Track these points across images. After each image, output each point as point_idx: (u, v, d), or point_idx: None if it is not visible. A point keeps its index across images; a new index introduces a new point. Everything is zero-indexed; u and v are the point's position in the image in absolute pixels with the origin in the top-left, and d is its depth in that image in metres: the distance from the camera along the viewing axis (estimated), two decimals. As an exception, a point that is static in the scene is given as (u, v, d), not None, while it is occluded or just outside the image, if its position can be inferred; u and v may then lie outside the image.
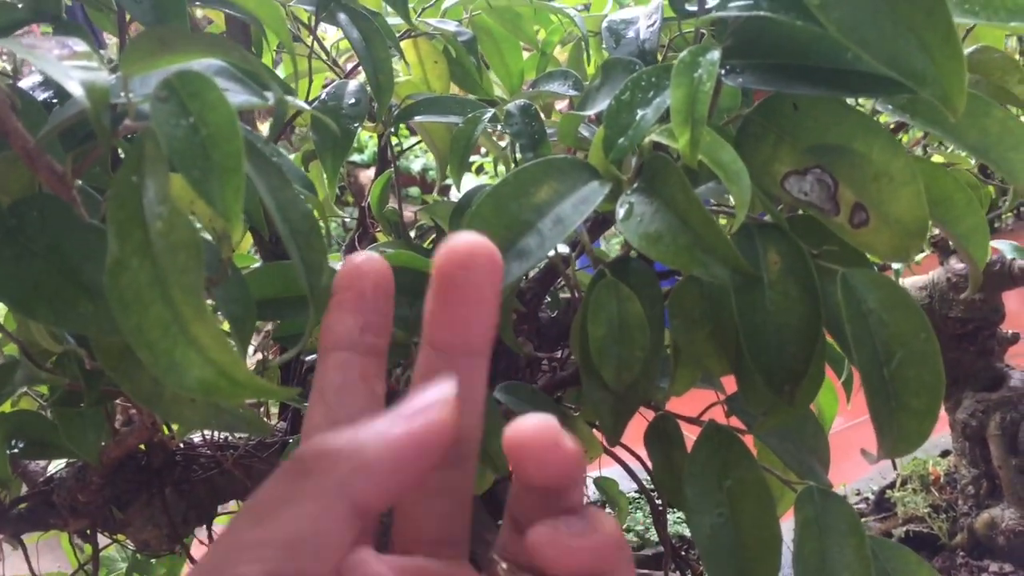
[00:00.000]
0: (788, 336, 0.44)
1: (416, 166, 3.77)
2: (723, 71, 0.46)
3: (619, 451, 0.79)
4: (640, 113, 0.47)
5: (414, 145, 1.31)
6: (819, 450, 0.58)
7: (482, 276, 0.29)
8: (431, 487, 0.31)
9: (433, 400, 0.27)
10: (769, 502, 0.51)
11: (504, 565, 0.31)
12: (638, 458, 0.78)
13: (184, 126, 0.32)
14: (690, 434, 0.57)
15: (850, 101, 0.47)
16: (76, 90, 0.34)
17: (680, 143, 0.43)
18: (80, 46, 0.38)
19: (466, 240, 0.29)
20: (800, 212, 0.50)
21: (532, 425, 0.26)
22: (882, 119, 0.50)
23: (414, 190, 3.67)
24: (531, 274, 0.77)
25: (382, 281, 0.31)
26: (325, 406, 0.31)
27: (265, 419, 0.85)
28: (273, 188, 0.38)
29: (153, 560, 0.87)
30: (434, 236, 0.85)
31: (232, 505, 0.85)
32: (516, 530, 0.30)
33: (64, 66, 0.35)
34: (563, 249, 0.61)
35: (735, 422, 0.56)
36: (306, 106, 0.47)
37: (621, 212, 0.45)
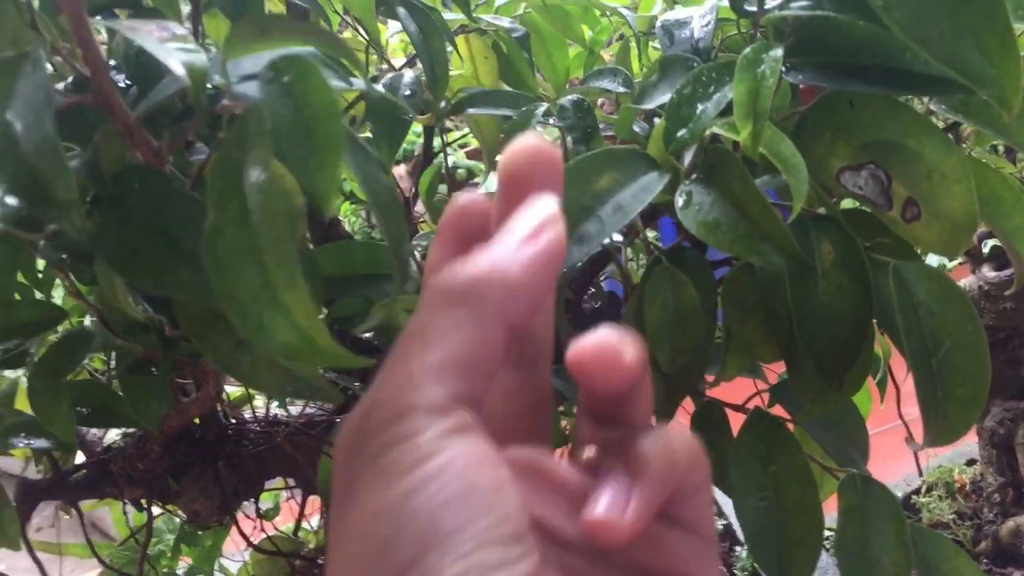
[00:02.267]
0: (839, 324, 0.46)
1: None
2: (783, 68, 0.48)
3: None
4: (701, 107, 0.49)
5: (456, 140, 1.33)
6: (859, 441, 0.60)
7: (545, 170, 0.30)
8: (513, 384, 0.32)
9: (545, 217, 0.28)
10: (812, 487, 0.53)
11: (590, 451, 0.31)
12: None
13: (289, 106, 0.34)
14: (734, 422, 0.59)
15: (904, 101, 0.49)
16: (178, 69, 0.36)
17: (742, 135, 0.44)
18: (179, 29, 0.41)
19: (529, 140, 0.30)
20: (852, 207, 0.52)
21: (594, 341, 0.27)
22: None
23: (442, 187, 3.69)
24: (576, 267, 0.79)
25: (485, 222, 0.31)
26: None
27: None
28: (359, 163, 0.40)
29: (200, 532, 0.89)
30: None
31: (278, 481, 0.88)
32: (592, 425, 0.31)
33: (166, 47, 0.38)
34: (616, 237, 0.63)
35: (778, 411, 0.58)
36: (390, 96, 0.49)
37: (680, 201, 0.47)
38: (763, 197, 0.44)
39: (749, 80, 0.45)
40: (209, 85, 0.40)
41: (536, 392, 0.32)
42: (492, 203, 0.32)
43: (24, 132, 0.33)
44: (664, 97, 0.57)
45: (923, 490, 1.74)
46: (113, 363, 0.80)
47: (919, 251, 0.50)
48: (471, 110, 0.79)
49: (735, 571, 0.93)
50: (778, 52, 0.45)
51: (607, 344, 0.27)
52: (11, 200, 0.32)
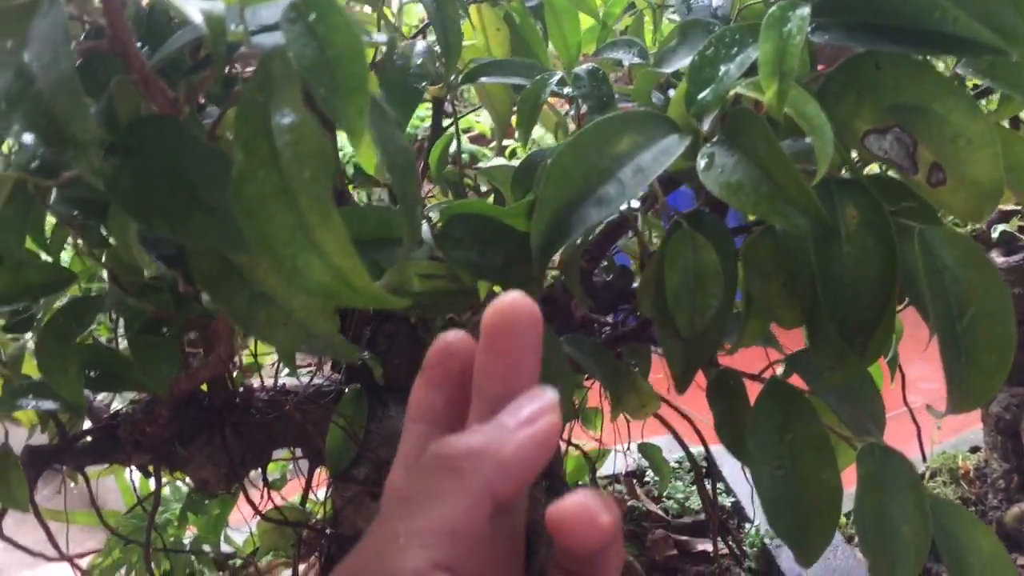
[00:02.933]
0: (863, 288, 0.45)
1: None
2: (809, 28, 0.47)
3: (670, 415, 0.80)
4: (724, 68, 0.48)
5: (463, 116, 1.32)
6: (875, 413, 0.59)
7: (525, 327, 0.32)
8: (493, 532, 0.33)
9: (544, 404, 0.30)
10: (830, 456, 0.52)
11: None
12: (689, 421, 0.79)
13: (312, 46, 0.33)
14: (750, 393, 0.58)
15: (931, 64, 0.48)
16: (196, 17, 0.36)
17: (767, 95, 0.44)
18: (196, -24, 0.40)
19: (510, 298, 0.32)
20: (876, 172, 0.51)
21: (574, 502, 0.29)
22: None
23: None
24: (591, 236, 0.79)
25: (469, 362, 0.33)
26: (406, 471, 0.33)
27: (323, 368, 0.87)
28: (376, 121, 0.40)
29: (207, 500, 0.89)
30: (493, 199, 0.86)
31: (285, 452, 0.87)
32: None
33: (183, -5, 0.37)
34: (634, 204, 0.62)
35: (794, 382, 0.58)
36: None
37: (702, 163, 0.46)
38: (787, 159, 0.43)
39: (775, 38, 0.44)
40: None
41: (511, 542, 0.34)
42: (475, 347, 0.33)
43: (42, 71, 0.32)
44: (684, 61, 0.56)
45: (927, 476, 1.73)
46: (121, 330, 0.79)
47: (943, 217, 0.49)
48: (484, 79, 0.78)
49: (744, 547, 0.93)
50: (805, 10, 0.44)
51: (586, 506, 0.29)
52: (28, 138, 0.32)
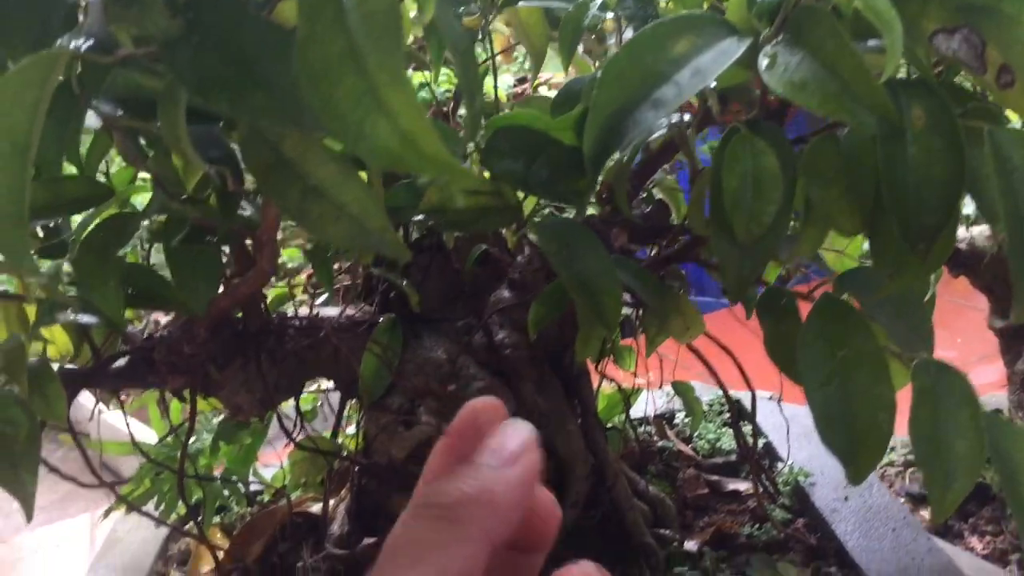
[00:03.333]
0: (929, 190, 0.44)
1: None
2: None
3: (707, 347, 0.79)
4: None
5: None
6: (925, 335, 0.58)
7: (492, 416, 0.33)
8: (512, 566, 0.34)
9: (523, 442, 0.32)
10: (884, 371, 0.51)
11: None
12: (729, 353, 0.78)
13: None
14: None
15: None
16: None
17: (840, -13, 0.43)
18: None
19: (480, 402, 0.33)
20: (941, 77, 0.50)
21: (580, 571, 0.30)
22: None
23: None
24: (639, 152, 0.77)
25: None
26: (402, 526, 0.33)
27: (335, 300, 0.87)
28: (441, 7, 0.39)
29: (239, 430, 0.88)
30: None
31: (324, 383, 0.87)
32: None
33: None
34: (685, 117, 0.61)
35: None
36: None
37: (764, 63, 0.45)
38: (856, 53, 0.42)
39: (845, -72, 0.43)
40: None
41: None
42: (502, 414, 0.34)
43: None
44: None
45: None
46: (153, 253, 0.79)
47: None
48: (522, 3, 0.77)
49: (779, 487, 0.92)
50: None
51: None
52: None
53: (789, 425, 0.92)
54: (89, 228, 0.67)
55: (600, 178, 0.86)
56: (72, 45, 0.40)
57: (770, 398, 0.96)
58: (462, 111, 0.94)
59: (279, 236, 0.57)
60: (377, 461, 0.80)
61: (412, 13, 0.76)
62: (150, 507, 0.89)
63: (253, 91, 0.37)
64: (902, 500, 1.51)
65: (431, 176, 0.42)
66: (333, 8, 0.32)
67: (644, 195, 0.82)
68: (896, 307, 0.56)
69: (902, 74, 0.51)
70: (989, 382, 2.42)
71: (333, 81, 0.32)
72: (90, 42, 0.40)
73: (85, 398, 0.81)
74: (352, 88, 0.32)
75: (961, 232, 1.46)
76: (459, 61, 0.40)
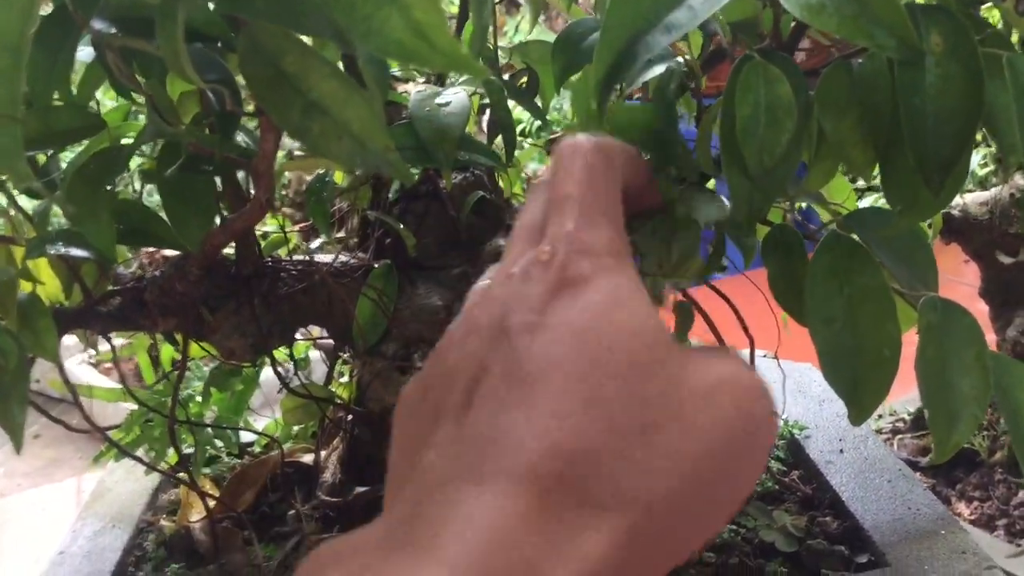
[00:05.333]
0: (945, 119, 0.43)
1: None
2: None
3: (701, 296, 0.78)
4: None
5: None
6: (930, 280, 0.57)
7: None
8: None
9: None
10: (891, 309, 0.51)
11: None
12: (728, 302, 0.77)
13: None
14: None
15: None
16: None
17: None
18: None
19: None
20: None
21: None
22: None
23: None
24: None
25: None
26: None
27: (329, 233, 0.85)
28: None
29: (231, 376, 0.87)
30: (526, 78, 0.84)
31: (318, 332, 0.86)
32: None
33: None
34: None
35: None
36: None
37: None
38: None
39: None
40: None
41: None
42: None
43: None
44: None
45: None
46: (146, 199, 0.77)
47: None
48: (526, -56, 0.75)
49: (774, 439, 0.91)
50: None
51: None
52: None
53: (785, 379, 0.91)
54: (81, 161, 0.66)
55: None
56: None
57: (764, 355, 0.96)
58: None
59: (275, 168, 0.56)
60: (371, 409, 0.79)
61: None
62: (139, 456, 0.88)
63: (256, -8, 0.35)
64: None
65: (444, 70, 0.40)
66: None
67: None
68: (901, 250, 0.55)
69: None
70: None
71: (343, -27, 0.31)
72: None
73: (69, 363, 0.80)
74: (363, -22, 0.31)
75: (955, 199, 1.45)
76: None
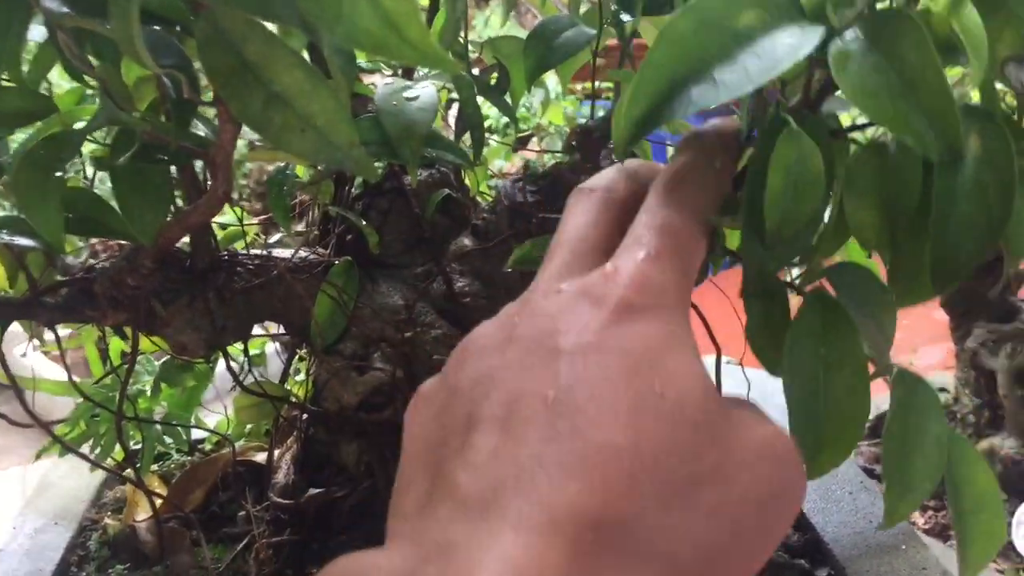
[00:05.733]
0: (969, 227, 0.41)
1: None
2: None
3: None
4: None
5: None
6: (888, 335, 0.57)
7: None
8: None
9: None
10: (864, 383, 0.49)
11: None
12: (698, 313, 0.76)
13: None
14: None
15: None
16: None
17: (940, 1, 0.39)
18: None
19: None
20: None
21: None
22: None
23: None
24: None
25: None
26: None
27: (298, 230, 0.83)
28: None
29: (183, 371, 0.85)
30: (496, 74, 0.82)
31: (271, 327, 0.84)
32: None
33: None
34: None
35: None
36: None
37: (834, 59, 0.41)
38: (942, 74, 0.38)
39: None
40: None
41: None
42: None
43: None
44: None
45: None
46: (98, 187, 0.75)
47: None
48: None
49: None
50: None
51: None
52: None
53: (750, 388, 0.90)
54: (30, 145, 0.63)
55: (569, 128, 0.84)
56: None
57: (728, 362, 0.95)
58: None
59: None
60: (327, 408, 0.76)
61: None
62: (84, 451, 0.85)
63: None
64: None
65: (413, 64, 0.38)
66: None
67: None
68: (870, 306, 0.54)
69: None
70: (934, 363, 2.46)
71: (311, -43, 0.29)
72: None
73: (18, 349, 0.77)
74: (332, -35, 0.29)
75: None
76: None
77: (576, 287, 0.28)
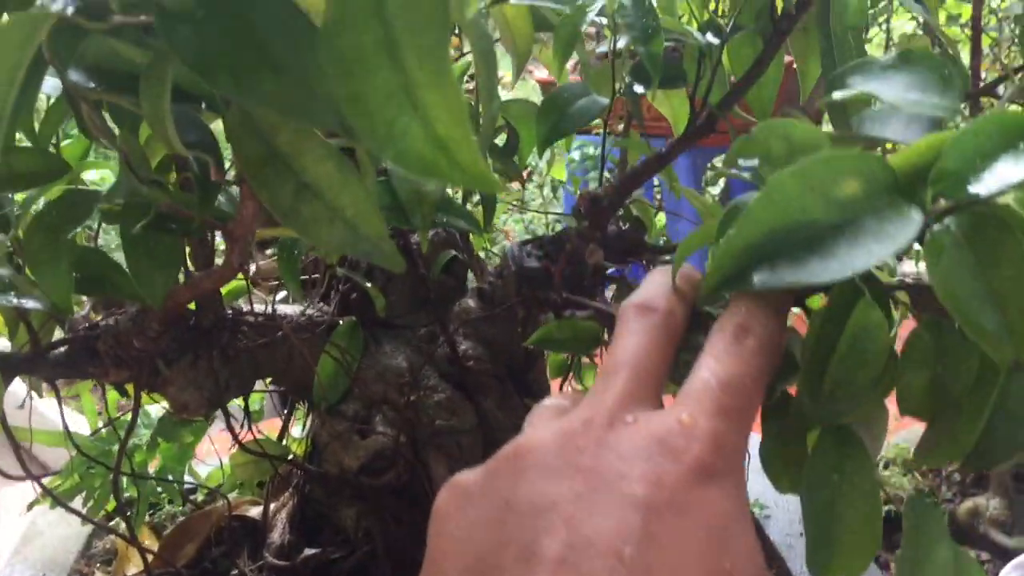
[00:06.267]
0: (1019, 433, 0.42)
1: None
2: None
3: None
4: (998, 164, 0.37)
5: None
6: (879, 437, 0.57)
7: None
8: None
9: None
10: (876, 509, 0.49)
11: None
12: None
13: None
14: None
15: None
16: None
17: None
18: None
19: None
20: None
21: None
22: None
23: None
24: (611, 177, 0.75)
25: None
26: None
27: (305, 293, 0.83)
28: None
29: (180, 426, 0.84)
30: (506, 136, 0.82)
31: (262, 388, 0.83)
32: None
33: None
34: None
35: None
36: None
37: (929, 252, 0.38)
38: None
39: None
40: None
41: None
42: None
43: None
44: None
45: (880, 465, 1.74)
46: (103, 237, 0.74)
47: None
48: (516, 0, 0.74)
49: None
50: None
51: None
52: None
53: (749, 457, 0.90)
54: (40, 204, 0.62)
55: (577, 192, 0.84)
56: (56, 6, 0.36)
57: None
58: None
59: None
60: (327, 470, 0.76)
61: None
62: (77, 502, 0.84)
63: (264, 75, 0.33)
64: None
65: (462, 186, 0.38)
66: (368, -8, 0.28)
67: (622, 212, 0.79)
68: (872, 424, 0.54)
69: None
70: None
71: (364, 74, 0.28)
72: (75, 3, 0.35)
73: (16, 384, 0.76)
74: (385, 84, 0.28)
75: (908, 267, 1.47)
76: (481, 62, 0.37)
77: (651, 430, 0.28)
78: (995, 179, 0.36)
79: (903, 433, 1.88)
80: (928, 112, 0.42)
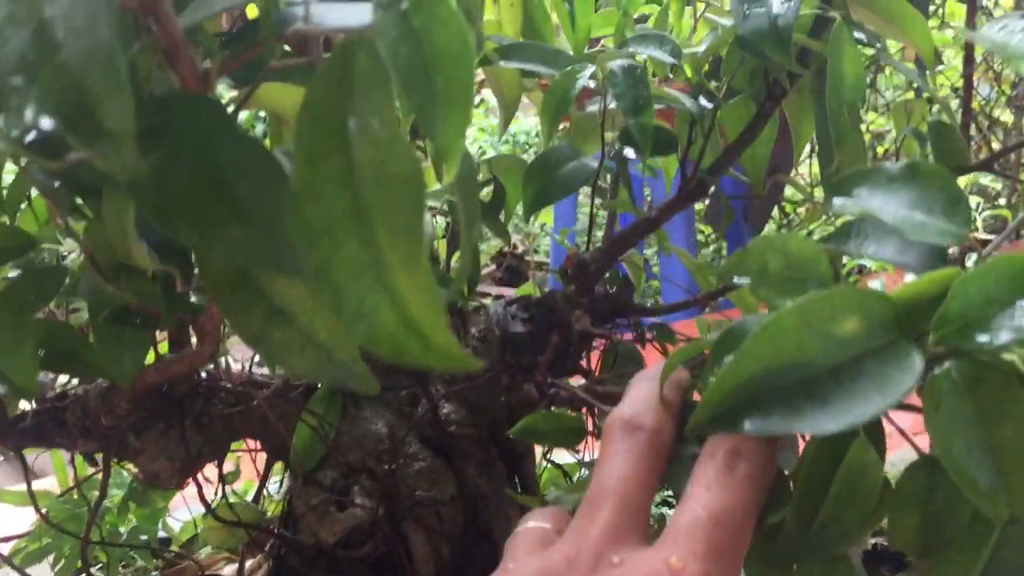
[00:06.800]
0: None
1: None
2: None
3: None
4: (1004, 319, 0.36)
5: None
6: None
7: None
8: None
9: None
10: None
11: None
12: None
13: (407, 41, 0.27)
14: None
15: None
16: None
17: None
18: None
19: None
20: None
21: None
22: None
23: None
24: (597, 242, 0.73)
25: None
26: None
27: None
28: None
29: (152, 491, 0.81)
30: (492, 189, 0.80)
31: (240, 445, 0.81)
32: None
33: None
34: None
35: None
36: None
37: (928, 398, 0.36)
38: None
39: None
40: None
41: None
42: None
43: (69, 36, 0.25)
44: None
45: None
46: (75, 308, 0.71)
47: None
48: (503, 63, 0.72)
49: None
50: None
51: None
52: (47, 123, 0.25)
53: None
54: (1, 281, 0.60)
55: (567, 251, 0.82)
56: (13, 133, 0.33)
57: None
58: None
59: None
60: (302, 540, 0.73)
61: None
62: (45, 565, 0.81)
63: (230, 223, 0.31)
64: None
65: (434, 367, 0.36)
66: (341, 159, 0.26)
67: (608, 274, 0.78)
68: None
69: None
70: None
71: (332, 245, 0.27)
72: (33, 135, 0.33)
73: None
74: (354, 258, 0.26)
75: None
76: (461, 188, 0.35)
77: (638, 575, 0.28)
78: (1006, 329, 0.35)
79: (892, 459, 1.87)
80: (933, 240, 0.40)
